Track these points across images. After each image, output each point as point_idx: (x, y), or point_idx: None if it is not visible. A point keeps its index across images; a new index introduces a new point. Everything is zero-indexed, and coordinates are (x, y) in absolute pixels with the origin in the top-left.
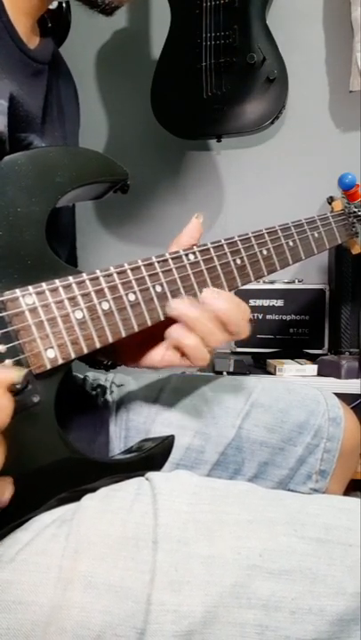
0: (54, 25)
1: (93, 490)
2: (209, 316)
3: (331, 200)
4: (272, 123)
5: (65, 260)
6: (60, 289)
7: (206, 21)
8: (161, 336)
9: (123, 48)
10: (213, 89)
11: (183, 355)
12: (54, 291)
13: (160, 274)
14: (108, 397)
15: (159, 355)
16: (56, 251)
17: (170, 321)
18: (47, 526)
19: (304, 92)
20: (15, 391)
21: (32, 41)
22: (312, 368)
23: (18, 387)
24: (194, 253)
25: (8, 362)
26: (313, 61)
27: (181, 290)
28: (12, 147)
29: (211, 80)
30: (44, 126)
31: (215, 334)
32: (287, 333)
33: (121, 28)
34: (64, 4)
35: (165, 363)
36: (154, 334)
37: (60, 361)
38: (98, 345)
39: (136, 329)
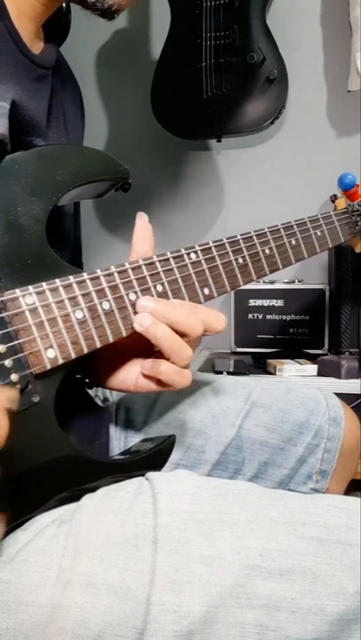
0: (54, 25)
1: (93, 490)
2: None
3: (334, 198)
4: (272, 123)
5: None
6: (61, 288)
7: (206, 21)
8: (130, 355)
9: (123, 48)
10: (213, 89)
11: (160, 383)
12: (54, 290)
13: (161, 273)
14: (109, 397)
15: (132, 380)
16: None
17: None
18: (47, 526)
19: (304, 91)
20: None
21: (36, 46)
22: (312, 368)
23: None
24: (196, 252)
25: (8, 362)
26: (313, 61)
27: (183, 289)
28: (16, 151)
29: (211, 80)
30: (48, 130)
31: (183, 350)
32: (287, 333)
33: (121, 28)
34: (64, 5)
35: (140, 389)
36: (123, 355)
37: (61, 361)
38: (98, 345)
39: None
